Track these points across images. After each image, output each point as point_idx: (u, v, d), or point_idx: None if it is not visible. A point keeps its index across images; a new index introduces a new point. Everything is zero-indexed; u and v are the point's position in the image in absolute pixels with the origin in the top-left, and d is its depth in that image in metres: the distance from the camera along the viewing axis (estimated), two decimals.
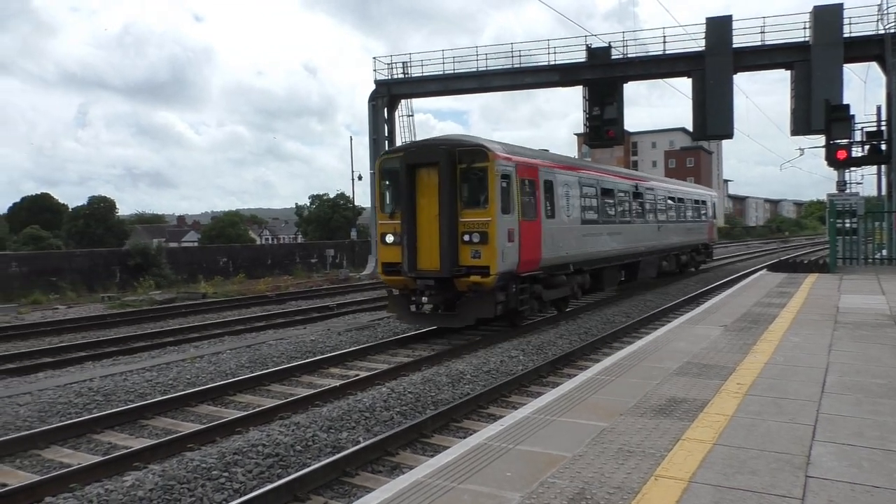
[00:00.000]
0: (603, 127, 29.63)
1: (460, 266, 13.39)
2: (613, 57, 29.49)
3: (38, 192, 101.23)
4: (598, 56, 29.50)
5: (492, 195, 13.29)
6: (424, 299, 13.79)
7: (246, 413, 8.77)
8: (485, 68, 31.84)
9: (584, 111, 30.01)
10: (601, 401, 6.33)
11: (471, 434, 7.70)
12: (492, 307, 13.53)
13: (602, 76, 29.63)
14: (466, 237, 13.36)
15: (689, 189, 29.94)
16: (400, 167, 13.79)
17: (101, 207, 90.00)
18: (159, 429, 8.59)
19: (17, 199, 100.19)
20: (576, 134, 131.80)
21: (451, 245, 13.34)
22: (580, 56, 30.19)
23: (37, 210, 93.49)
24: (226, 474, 6.67)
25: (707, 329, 10.49)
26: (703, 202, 31.10)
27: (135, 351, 14.12)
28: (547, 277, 15.70)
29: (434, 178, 13.49)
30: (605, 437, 5.21)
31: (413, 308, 14.14)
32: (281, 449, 7.40)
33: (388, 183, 14.67)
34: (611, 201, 19.90)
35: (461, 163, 13.43)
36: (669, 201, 25.90)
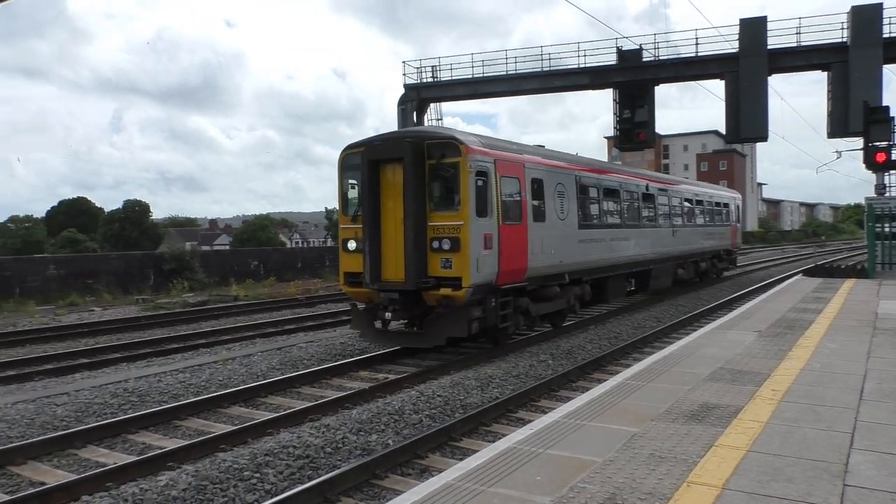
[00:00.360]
0: (633, 130, 29.38)
1: (429, 277, 11.74)
2: (644, 59, 29.23)
3: (75, 196, 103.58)
4: (629, 58, 29.27)
5: (465, 195, 11.58)
6: (388, 315, 12.18)
7: (277, 415, 8.85)
8: (514, 71, 31.78)
9: (615, 114, 29.79)
10: (632, 406, 6.28)
11: (500, 438, 7.68)
12: (465, 325, 11.76)
13: (633, 79, 29.39)
14: (436, 244, 11.72)
15: (709, 191, 27.94)
16: (361, 163, 12.20)
17: (135, 211, 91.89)
18: (192, 429, 8.71)
19: (55, 203, 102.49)
20: (606, 137, 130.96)
21: (417, 253, 11.64)
22: (611, 59, 29.98)
23: (73, 213, 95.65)
24: (257, 475, 6.74)
25: (740, 334, 10.33)
26: (725, 205, 29.14)
27: (168, 353, 14.35)
28: (536, 289, 13.87)
29: (400, 176, 11.89)
30: (635, 442, 5.16)
31: (378, 324, 12.56)
32: (311, 451, 7.45)
33: (351, 182, 12.98)
34: (616, 203, 18.10)
35: (430, 158, 11.85)
36: (686, 203, 24.16)
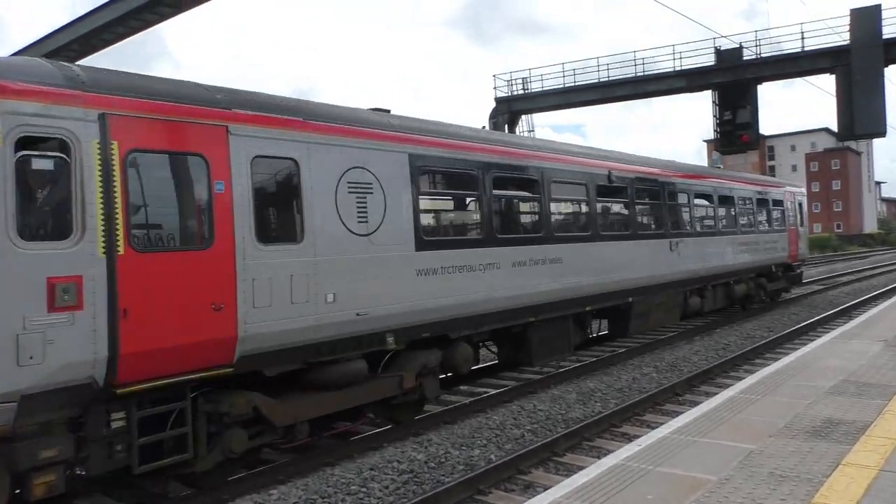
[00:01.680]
0: (735, 132, 28.17)
1: None
2: (745, 58, 28.06)
3: None
4: (729, 58, 28.16)
5: None
6: None
7: (380, 429, 8.97)
8: (606, 78, 31.26)
9: (714, 116, 28.69)
10: (746, 421, 5.96)
11: (605, 454, 7.50)
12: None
13: (733, 79, 28.24)
14: None
15: (746, 185, 19.91)
16: None
17: None
18: (300, 445, 8.95)
19: None
20: (705, 141, 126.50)
21: None
22: (708, 59, 28.98)
23: None
24: (364, 489, 6.85)
25: (864, 344, 9.65)
26: (777, 203, 21.69)
27: None
28: (285, 377, 7.54)
29: None
30: (753, 459, 4.89)
31: None
32: (415, 465, 7.51)
33: None
34: (537, 202, 11.58)
35: None
36: (701, 201, 17.30)
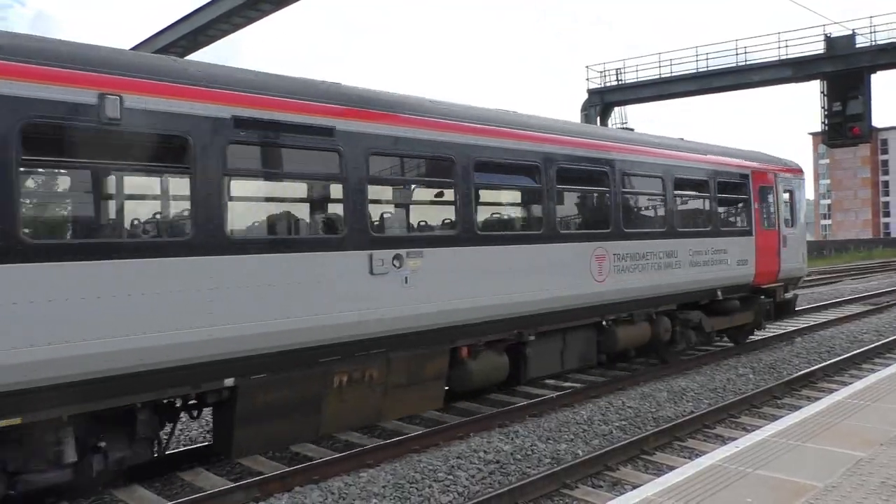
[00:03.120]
0: (846, 124, 26.61)
1: None
2: (858, 45, 26.42)
3: None
4: (840, 46, 26.61)
5: None
6: None
7: (467, 419, 9.02)
8: (705, 69, 30.14)
9: (822, 107, 27.18)
10: (855, 427, 5.64)
11: (697, 454, 7.28)
12: None
13: (844, 68, 26.66)
14: None
15: (646, 153, 11.84)
16: None
17: None
18: (388, 430, 9.11)
19: None
20: (810, 133, 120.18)
21: None
22: (816, 48, 27.47)
23: None
24: (450, 477, 6.91)
25: None
26: (738, 187, 13.67)
27: None
28: None
29: None
30: (862, 467, 4.62)
31: None
32: (501, 456, 7.51)
33: None
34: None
35: None
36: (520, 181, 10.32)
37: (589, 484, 6.92)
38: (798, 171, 15.75)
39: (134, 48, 25.82)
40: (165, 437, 7.17)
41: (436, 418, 9.60)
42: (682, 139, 13.74)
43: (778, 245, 14.32)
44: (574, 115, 32.76)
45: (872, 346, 13.64)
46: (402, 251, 8.04)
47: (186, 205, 6.66)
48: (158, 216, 7.34)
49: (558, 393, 10.47)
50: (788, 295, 15.08)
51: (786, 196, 14.88)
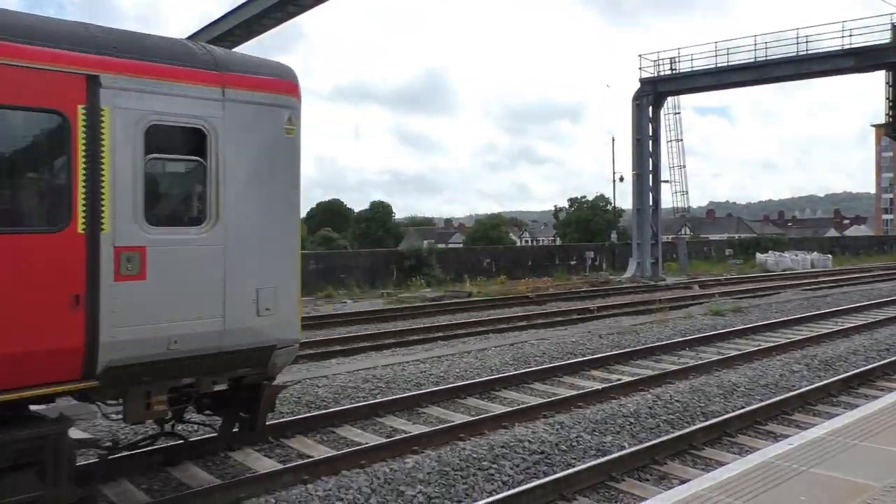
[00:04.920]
0: None
1: None
2: None
3: (330, 199, 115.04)
4: None
5: None
6: None
7: (512, 409, 9.02)
8: (763, 58, 29.26)
9: (888, 98, 26.17)
10: None
11: (748, 451, 7.12)
12: None
13: None
14: None
15: None
16: None
17: (380, 212, 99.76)
18: (433, 417, 9.18)
19: (312, 205, 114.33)
20: (873, 125, 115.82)
21: None
22: (882, 37, 26.40)
23: (329, 214, 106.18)
24: (494, 466, 6.91)
25: None
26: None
27: (410, 343, 15.30)
28: None
29: None
30: None
31: None
32: (546, 447, 7.48)
33: None
34: None
35: None
36: None
37: (635, 477, 6.84)
38: (272, 84, 6.38)
39: (191, 36, 26.36)
40: None
41: (481, 406, 9.63)
42: None
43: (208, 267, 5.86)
44: (627, 105, 32.21)
45: None
46: None
47: None
48: None
49: (604, 385, 10.38)
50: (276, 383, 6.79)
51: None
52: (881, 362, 11.65)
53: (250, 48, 29.09)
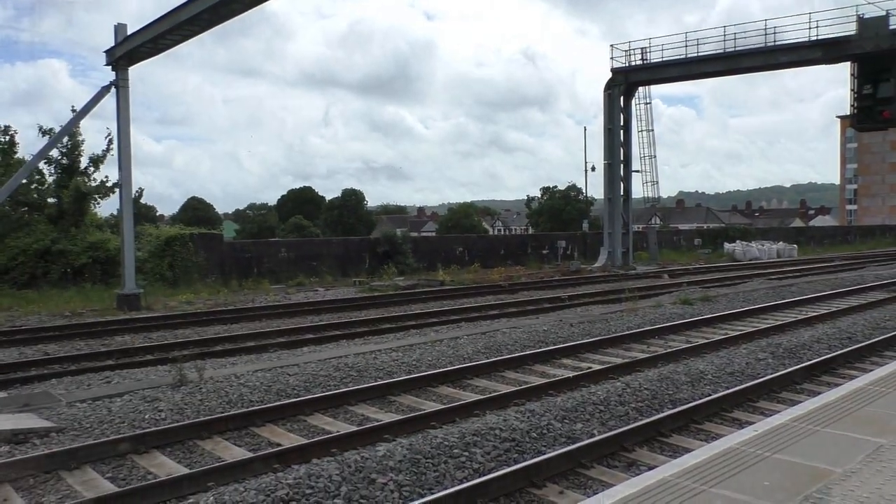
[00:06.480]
0: (876, 107, 26.07)
1: None
2: (893, 26, 25.81)
3: (301, 186, 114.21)
4: (873, 27, 26.00)
5: None
6: None
7: (483, 397, 9.07)
8: (733, 49, 29.62)
9: (852, 90, 26.64)
10: (876, 414, 5.58)
11: (714, 437, 7.25)
12: None
13: (876, 49, 26.07)
14: None
15: None
16: None
17: (352, 199, 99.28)
18: (405, 405, 9.20)
19: (282, 192, 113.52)
20: (838, 116, 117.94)
21: None
22: (848, 29, 26.87)
23: (300, 202, 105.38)
24: (466, 454, 6.95)
25: None
26: None
27: (382, 332, 15.29)
28: None
29: None
30: (883, 454, 4.59)
31: None
32: (517, 434, 7.54)
33: None
34: None
35: None
36: None
37: (605, 464, 6.93)
38: None
39: (154, 22, 25.78)
40: None
41: (453, 395, 9.66)
42: None
43: None
44: (597, 94, 32.40)
45: (895, 333, 13.47)
46: None
47: None
48: None
49: (575, 373, 10.48)
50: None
51: None
52: (842, 350, 11.92)
53: (214, 33, 28.60)
